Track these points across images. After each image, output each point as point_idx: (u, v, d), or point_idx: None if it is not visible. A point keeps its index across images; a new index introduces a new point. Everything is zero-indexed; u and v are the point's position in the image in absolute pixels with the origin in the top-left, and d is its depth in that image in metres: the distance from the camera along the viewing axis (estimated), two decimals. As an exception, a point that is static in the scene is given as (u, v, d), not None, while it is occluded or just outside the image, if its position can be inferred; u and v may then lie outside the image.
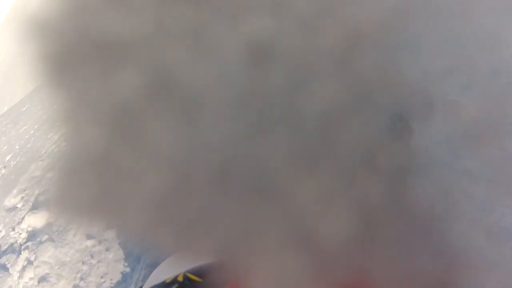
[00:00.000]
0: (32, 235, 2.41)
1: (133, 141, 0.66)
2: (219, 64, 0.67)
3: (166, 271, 0.74)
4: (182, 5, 0.70)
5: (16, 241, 2.44)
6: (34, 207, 2.61)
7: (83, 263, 2.11)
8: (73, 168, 0.69)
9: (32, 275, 2.19)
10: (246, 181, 0.64)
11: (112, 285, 1.95)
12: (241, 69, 0.67)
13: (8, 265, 2.32)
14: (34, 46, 0.71)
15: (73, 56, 0.70)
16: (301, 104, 0.67)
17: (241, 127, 0.66)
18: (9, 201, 2.82)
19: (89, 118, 0.69)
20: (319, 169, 0.65)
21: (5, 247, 2.43)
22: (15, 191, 2.87)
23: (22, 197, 2.78)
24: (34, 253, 2.27)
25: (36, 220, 2.51)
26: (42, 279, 2.14)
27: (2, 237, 2.53)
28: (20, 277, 2.21)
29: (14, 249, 2.39)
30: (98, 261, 2.08)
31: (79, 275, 2.08)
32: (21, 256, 2.31)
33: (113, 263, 2.01)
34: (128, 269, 2.00)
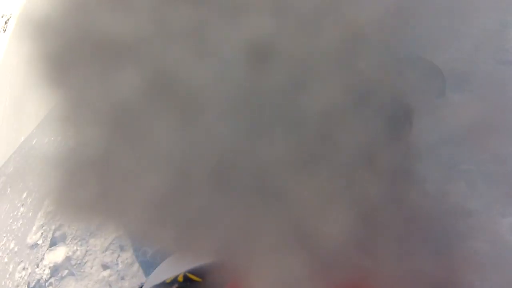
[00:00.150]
0: (54, 270, 2.56)
1: (133, 141, 0.66)
2: (219, 64, 0.67)
3: (166, 271, 0.74)
4: (182, 5, 0.70)
5: (42, 277, 2.57)
6: (53, 243, 2.76)
7: None
8: (73, 168, 0.69)
9: (59, 310, 2.35)
10: (246, 181, 0.64)
11: (132, 312, 2.13)
12: (241, 69, 0.67)
13: (38, 302, 2.47)
14: (34, 46, 0.71)
15: (73, 56, 0.70)
16: (301, 103, 0.67)
17: (241, 126, 0.66)
18: (31, 238, 2.93)
19: (89, 118, 0.69)
20: (319, 169, 0.65)
21: (33, 284, 2.58)
22: (34, 228, 3.00)
23: (42, 234, 2.91)
24: (58, 289, 2.46)
25: (56, 256, 2.65)
26: (68, 313, 2.31)
27: (30, 274, 2.67)
28: (48, 313, 2.38)
29: (41, 285, 2.54)
30: None
31: (102, 305, 2.21)
32: (47, 292, 2.47)
33: None
34: None
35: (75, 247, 2.60)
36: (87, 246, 2.53)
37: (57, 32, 0.71)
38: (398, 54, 0.75)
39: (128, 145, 0.66)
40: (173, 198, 0.64)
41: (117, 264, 2.32)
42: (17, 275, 2.75)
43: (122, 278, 2.26)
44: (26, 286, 2.59)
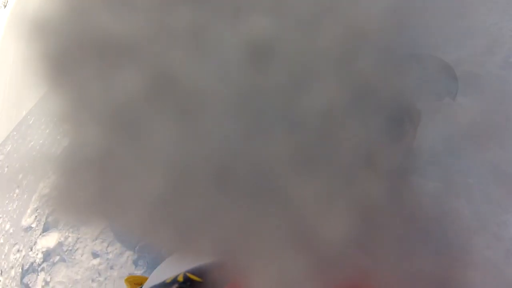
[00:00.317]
0: (47, 255, 2.61)
1: (133, 141, 0.66)
2: (219, 63, 0.67)
3: (166, 271, 0.74)
4: (182, 4, 0.70)
5: (35, 260, 2.62)
6: (46, 228, 2.79)
7: (93, 280, 2.31)
8: (72, 168, 0.69)
9: (50, 295, 2.42)
10: (246, 181, 0.64)
11: (120, 300, 2.18)
12: (241, 69, 0.67)
13: (30, 285, 2.52)
14: (34, 46, 0.71)
15: (73, 56, 0.70)
16: (301, 103, 0.67)
17: (241, 126, 0.66)
18: (25, 221, 2.97)
19: (89, 118, 0.69)
20: (319, 169, 0.65)
21: (27, 266, 2.62)
22: (29, 211, 3.03)
23: (36, 217, 2.94)
24: (49, 274, 2.49)
25: (48, 241, 2.69)
26: (59, 299, 2.35)
27: (24, 256, 2.72)
28: (41, 298, 2.44)
29: (34, 269, 2.59)
30: (105, 278, 2.27)
31: (91, 292, 2.23)
32: (39, 277, 2.52)
33: (118, 280, 2.20)
34: None
35: (67, 233, 2.62)
36: (78, 234, 2.56)
37: (56, 32, 0.71)
38: (403, 52, 0.75)
39: (127, 145, 0.66)
40: (173, 198, 0.64)
41: (107, 253, 2.34)
42: (12, 257, 2.78)
43: (111, 268, 2.26)
44: (20, 268, 2.63)
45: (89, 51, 0.69)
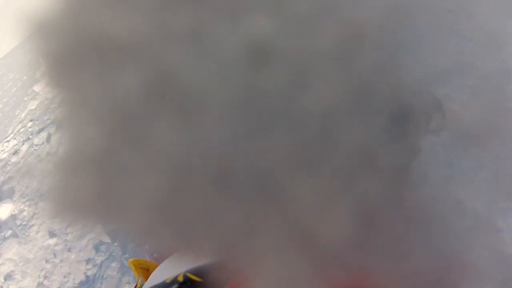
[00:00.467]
0: None
1: (133, 141, 0.66)
2: (219, 63, 0.67)
3: (166, 271, 0.74)
4: (182, 4, 0.70)
5: None
6: None
7: (47, 261, 2.17)
8: (72, 168, 0.69)
9: (-3, 272, 2.25)
10: (246, 180, 0.64)
11: (75, 285, 2.03)
12: (241, 69, 0.67)
13: (-23, 261, 2.36)
14: (33, 45, 0.71)
15: (72, 55, 0.70)
16: (301, 104, 0.67)
17: (241, 126, 0.66)
18: None
19: (89, 118, 0.69)
20: (319, 169, 0.65)
21: None
22: None
23: None
24: (-1, 250, 2.33)
25: (1, 212, 2.48)
26: (8, 277, 2.20)
27: None
28: (-13, 274, 2.27)
29: None
30: (61, 261, 2.14)
31: (43, 273, 2.16)
32: (-14, 252, 2.36)
33: (75, 264, 2.07)
34: (90, 273, 2.05)
35: (22, 206, 2.47)
36: (35, 208, 2.40)
37: (56, 32, 0.71)
38: (399, 54, 0.75)
39: (127, 145, 0.66)
40: (172, 198, 0.64)
41: (66, 234, 2.20)
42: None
43: (69, 250, 2.15)
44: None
45: (89, 51, 0.69)
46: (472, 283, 0.66)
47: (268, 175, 0.63)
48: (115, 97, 0.65)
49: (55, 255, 2.16)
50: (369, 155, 0.66)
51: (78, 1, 0.73)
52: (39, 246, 2.23)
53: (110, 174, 0.66)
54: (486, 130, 1.13)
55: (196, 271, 0.68)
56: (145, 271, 0.91)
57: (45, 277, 2.11)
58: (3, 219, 2.46)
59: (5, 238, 2.36)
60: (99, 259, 2.07)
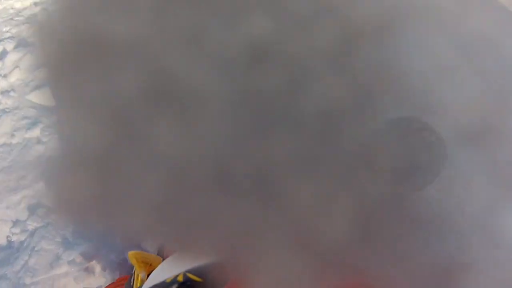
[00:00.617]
0: None
1: (133, 141, 0.66)
2: (218, 63, 0.67)
3: (166, 271, 0.74)
4: (181, 5, 0.70)
5: None
6: None
7: None
8: (72, 168, 0.69)
9: None
10: (246, 180, 0.64)
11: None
12: (240, 69, 0.67)
13: None
14: (34, 45, 0.71)
15: (72, 55, 0.70)
16: (301, 104, 0.67)
17: (241, 127, 0.66)
18: None
19: (88, 118, 0.69)
20: (319, 169, 0.65)
21: None
22: None
23: None
24: None
25: None
26: None
27: None
28: None
29: None
30: None
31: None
32: None
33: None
34: (15, 238, 1.64)
35: None
36: None
37: (56, 33, 0.71)
38: (398, 54, 0.75)
39: (127, 145, 0.66)
40: (172, 197, 0.64)
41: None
42: None
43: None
44: None
45: (88, 51, 0.69)
46: (471, 284, 0.66)
47: (268, 175, 0.63)
48: (114, 97, 0.66)
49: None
50: (368, 155, 0.66)
51: (78, 2, 0.74)
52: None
53: (109, 173, 0.66)
54: (486, 131, 1.13)
55: (196, 271, 0.68)
56: (148, 265, 0.89)
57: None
58: None
59: None
60: (32, 224, 1.62)
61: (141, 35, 0.67)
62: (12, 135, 1.80)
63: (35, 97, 1.85)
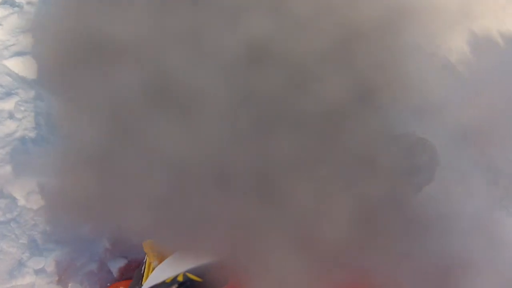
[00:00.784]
0: None
1: (134, 141, 0.66)
2: (218, 64, 0.67)
3: (166, 271, 0.73)
4: (182, 5, 0.70)
5: None
6: None
7: None
8: (73, 168, 0.69)
9: None
10: (246, 181, 0.64)
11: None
12: (241, 70, 0.67)
13: None
14: (34, 45, 0.71)
15: (74, 56, 0.70)
16: (301, 104, 0.67)
17: (241, 127, 0.66)
18: None
19: (89, 118, 0.69)
20: (319, 169, 0.65)
21: None
22: None
23: None
24: None
25: None
26: None
27: None
28: None
29: None
30: None
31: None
32: None
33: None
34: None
35: None
36: None
37: (57, 32, 0.71)
38: (398, 54, 0.75)
39: (128, 145, 0.66)
40: (173, 198, 0.64)
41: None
42: None
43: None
44: None
45: (89, 52, 0.69)
46: (471, 284, 0.66)
47: (268, 175, 0.63)
48: (115, 97, 0.66)
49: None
50: (369, 155, 0.66)
51: (79, 2, 0.73)
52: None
53: (110, 173, 0.66)
54: (486, 131, 1.13)
55: (196, 271, 0.68)
56: (161, 255, 0.86)
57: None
58: None
59: None
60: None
61: (142, 36, 0.67)
62: (-21, 103, 1.48)
63: (14, 64, 1.52)
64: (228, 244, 0.64)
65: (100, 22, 0.69)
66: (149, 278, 0.79)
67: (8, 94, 1.47)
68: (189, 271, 0.68)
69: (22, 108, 1.44)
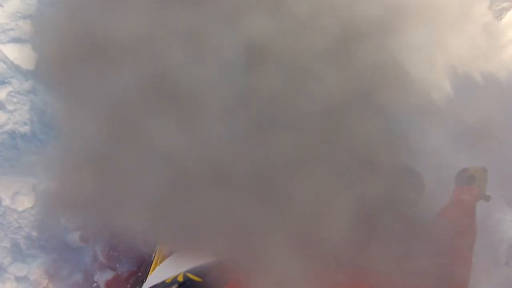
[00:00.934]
0: None
1: (132, 140, 0.66)
2: (218, 64, 0.67)
3: (166, 271, 0.73)
4: (182, 5, 0.70)
5: None
6: None
7: None
8: (73, 167, 0.69)
9: None
10: (246, 180, 0.64)
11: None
12: (240, 69, 0.67)
13: None
14: (35, 45, 0.71)
15: (74, 55, 0.70)
16: (300, 104, 0.67)
17: (241, 127, 0.66)
18: None
19: (89, 117, 0.69)
20: (319, 169, 0.65)
21: None
22: None
23: None
24: None
25: None
26: None
27: None
28: None
29: None
30: None
31: None
32: None
33: None
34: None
35: None
36: None
37: (57, 33, 0.71)
38: (397, 54, 0.75)
39: (128, 144, 0.66)
40: (173, 197, 0.64)
41: None
42: None
43: None
44: None
45: (89, 52, 0.69)
46: (471, 283, 0.66)
47: (268, 175, 0.63)
48: (115, 97, 0.65)
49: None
50: (369, 155, 0.66)
51: (79, 2, 0.73)
52: None
53: (110, 173, 0.66)
54: (485, 131, 1.13)
55: (196, 271, 0.68)
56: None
57: None
58: None
59: None
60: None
61: (142, 36, 0.67)
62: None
63: (10, 51, 1.37)
64: (228, 244, 0.64)
65: (101, 19, 0.69)
66: (149, 278, 0.79)
67: (1, 83, 1.33)
68: (189, 271, 0.68)
69: (15, 100, 1.30)
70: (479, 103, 1.15)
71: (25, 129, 1.27)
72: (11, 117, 1.30)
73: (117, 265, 1.11)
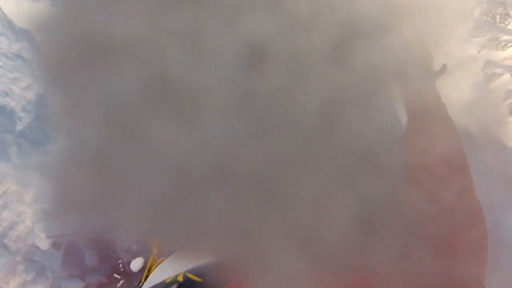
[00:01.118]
0: None
1: (132, 141, 0.66)
2: (218, 64, 0.67)
3: (166, 271, 0.74)
4: (181, 5, 0.70)
5: None
6: None
7: None
8: (72, 168, 0.69)
9: None
10: (246, 181, 0.64)
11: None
12: (240, 69, 0.67)
13: None
14: (33, 45, 0.71)
15: (72, 56, 0.70)
16: (300, 103, 0.67)
17: (241, 127, 0.66)
18: None
19: (88, 118, 0.69)
20: (319, 169, 0.65)
21: None
22: None
23: None
24: None
25: None
26: None
27: None
28: None
29: None
30: None
31: None
32: None
33: None
34: None
35: None
36: None
37: (56, 32, 0.71)
38: (397, 54, 0.75)
39: (126, 145, 0.66)
40: (172, 198, 0.64)
41: None
42: None
43: None
44: None
45: (88, 52, 0.69)
46: (471, 283, 0.66)
47: (268, 175, 0.63)
48: (114, 97, 0.65)
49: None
50: (369, 155, 0.66)
51: (78, 2, 0.73)
52: None
53: (110, 173, 0.66)
54: (485, 131, 1.13)
55: (196, 271, 0.68)
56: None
57: None
58: None
59: None
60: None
61: (142, 36, 0.67)
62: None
63: (6, 1, 1.14)
64: (228, 244, 0.64)
65: (100, 20, 0.69)
66: (149, 278, 0.79)
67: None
68: (189, 271, 0.68)
69: (0, 63, 1.07)
70: (479, 103, 1.16)
71: (5, 100, 1.06)
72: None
73: (87, 276, 1.00)
